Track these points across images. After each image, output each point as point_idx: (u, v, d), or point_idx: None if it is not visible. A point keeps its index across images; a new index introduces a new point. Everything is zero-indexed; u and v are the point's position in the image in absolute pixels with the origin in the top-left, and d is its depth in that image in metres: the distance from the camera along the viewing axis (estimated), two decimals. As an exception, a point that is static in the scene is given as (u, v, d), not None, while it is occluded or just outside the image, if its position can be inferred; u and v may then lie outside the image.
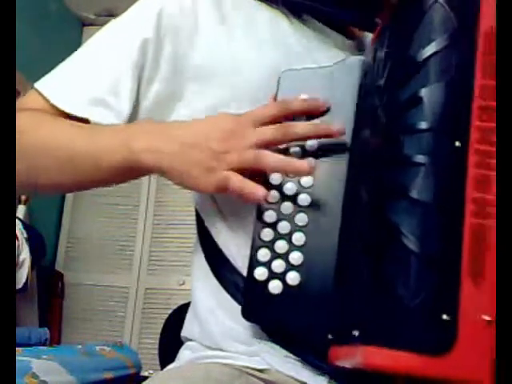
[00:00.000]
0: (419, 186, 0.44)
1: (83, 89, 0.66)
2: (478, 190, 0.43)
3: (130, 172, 0.61)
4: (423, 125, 0.45)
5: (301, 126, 0.58)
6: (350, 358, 0.46)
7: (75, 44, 3.22)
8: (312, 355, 0.58)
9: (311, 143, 0.59)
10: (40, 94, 0.67)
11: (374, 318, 0.44)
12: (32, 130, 0.63)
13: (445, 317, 0.41)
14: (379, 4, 0.62)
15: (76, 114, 0.65)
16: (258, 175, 0.57)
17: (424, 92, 0.45)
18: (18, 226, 2.17)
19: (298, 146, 0.59)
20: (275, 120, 0.58)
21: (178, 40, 0.66)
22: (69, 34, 3.07)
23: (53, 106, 0.66)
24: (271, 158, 0.56)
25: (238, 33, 0.67)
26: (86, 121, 0.65)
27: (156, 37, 0.66)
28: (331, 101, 0.60)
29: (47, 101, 0.66)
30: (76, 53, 0.70)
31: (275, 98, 0.62)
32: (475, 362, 0.40)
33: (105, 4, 2.94)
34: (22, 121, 0.63)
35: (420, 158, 0.44)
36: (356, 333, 0.45)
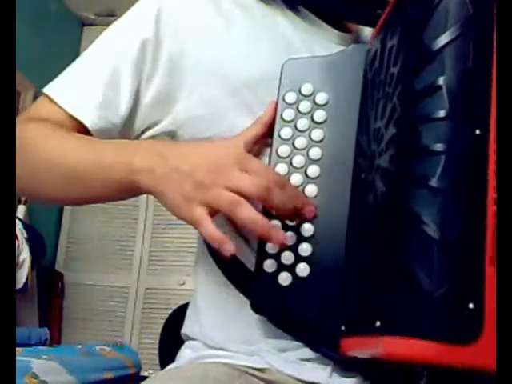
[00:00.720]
0: (439, 174, 0.43)
1: (88, 90, 0.67)
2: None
3: (130, 190, 0.62)
4: (442, 113, 0.44)
5: (282, 198, 0.55)
6: (370, 348, 0.46)
7: (75, 44, 3.23)
8: (324, 347, 0.57)
9: (318, 134, 0.59)
10: (49, 98, 0.68)
11: (397, 308, 0.43)
12: (39, 144, 0.64)
13: (471, 305, 0.41)
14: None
15: (81, 120, 0.66)
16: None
17: (442, 80, 0.45)
18: (18, 226, 2.17)
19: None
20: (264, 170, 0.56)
21: (177, 38, 0.67)
22: (69, 34, 3.07)
23: (62, 110, 0.67)
24: (246, 213, 0.54)
25: (235, 27, 0.68)
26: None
27: (155, 36, 0.67)
28: (335, 89, 0.60)
29: (56, 105, 0.68)
30: (82, 54, 0.72)
31: (278, 92, 0.62)
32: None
33: (105, 4, 2.94)
34: (32, 133, 0.65)
35: (439, 147, 0.44)
36: (378, 323, 0.44)
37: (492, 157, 0.43)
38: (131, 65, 0.67)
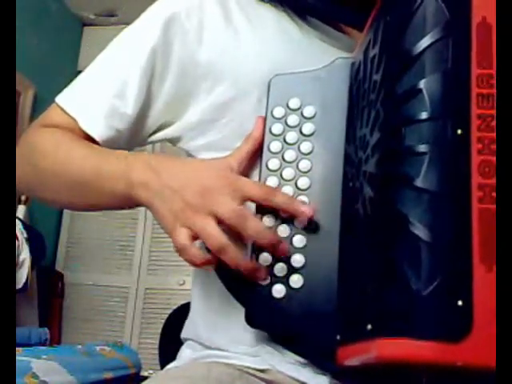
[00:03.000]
0: (423, 174, 0.44)
1: (96, 100, 0.69)
2: (482, 176, 0.43)
3: (129, 202, 0.63)
4: (424, 115, 0.45)
5: (259, 231, 0.55)
6: (363, 354, 0.46)
7: (75, 44, 3.23)
8: (319, 358, 0.57)
9: (307, 147, 0.60)
10: (60, 107, 0.71)
11: (387, 310, 0.43)
12: (49, 152, 0.68)
13: (460, 303, 0.41)
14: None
15: (87, 131, 0.68)
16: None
17: (423, 83, 0.46)
18: (18, 226, 2.18)
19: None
20: (256, 202, 0.57)
21: (186, 43, 0.68)
22: (69, 34, 3.07)
23: (72, 119, 0.69)
24: (230, 256, 0.55)
25: (244, 30, 0.68)
26: None
27: (164, 43, 0.68)
28: (322, 103, 0.61)
29: (67, 114, 0.70)
30: (93, 62, 0.73)
31: (266, 107, 0.62)
32: (492, 347, 0.40)
33: (105, 4, 2.94)
34: (41, 140, 0.69)
35: (423, 148, 0.45)
36: (369, 326, 0.44)
37: (475, 155, 0.44)
38: (140, 74, 0.68)
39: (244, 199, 0.57)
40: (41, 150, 0.68)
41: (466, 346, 0.40)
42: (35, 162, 0.68)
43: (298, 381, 0.60)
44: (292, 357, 0.60)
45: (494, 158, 0.44)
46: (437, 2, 0.48)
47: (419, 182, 0.44)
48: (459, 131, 0.44)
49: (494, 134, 0.44)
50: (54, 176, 0.67)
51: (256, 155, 0.62)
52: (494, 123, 0.44)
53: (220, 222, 0.55)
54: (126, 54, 0.70)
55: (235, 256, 0.55)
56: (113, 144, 0.68)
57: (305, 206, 0.57)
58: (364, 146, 0.53)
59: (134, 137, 0.70)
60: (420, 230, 0.43)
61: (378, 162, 0.49)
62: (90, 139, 0.68)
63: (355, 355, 0.49)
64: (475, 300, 0.41)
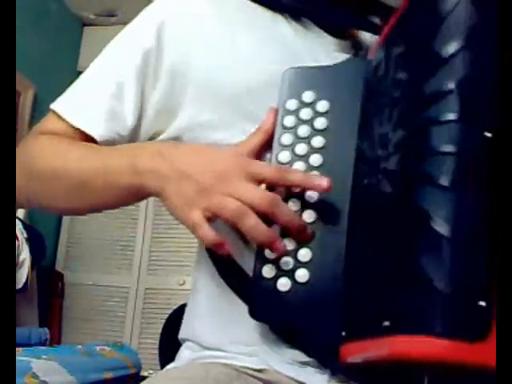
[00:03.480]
0: (449, 173, 0.44)
1: (93, 103, 0.68)
2: None
3: (136, 194, 0.62)
4: (452, 116, 0.45)
5: (284, 211, 0.55)
6: (373, 350, 0.46)
7: (75, 44, 3.23)
8: (322, 354, 0.57)
9: (319, 142, 0.59)
10: (56, 114, 0.70)
11: (406, 307, 0.43)
12: (45, 158, 0.66)
13: (481, 303, 0.41)
14: (373, 6, 0.62)
15: (85, 131, 0.67)
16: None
17: (453, 85, 0.46)
18: (18, 226, 2.17)
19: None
20: (272, 184, 0.57)
21: (179, 48, 0.68)
22: (69, 34, 3.07)
23: (69, 125, 0.68)
24: (250, 223, 0.54)
25: (238, 34, 0.68)
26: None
27: (157, 45, 0.68)
28: (336, 98, 0.60)
29: (63, 120, 0.69)
30: (88, 69, 0.72)
31: (279, 99, 0.62)
32: None
33: (105, 4, 2.94)
34: (39, 146, 0.67)
35: (449, 148, 0.45)
36: (386, 323, 0.44)
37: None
38: (134, 75, 0.67)
39: (259, 181, 0.56)
40: (38, 154, 0.67)
41: (486, 346, 0.40)
42: (32, 168, 0.66)
43: (295, 381, 0.60)
44: (290, 357, 0.60)
45: None
46: (468, 8, 0.48)
47: (443, 181, 0.44)
48: (488, 134, 0.44)
49: None
50: (53, 178, 0.66)
51: (264, 148, 0.62)
52: None
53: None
54: (121, 57, 0.70)
55: (255, 222, 0.54)
56: (113, 145, 0.67)
57: (319, 178, 0.56)
58: (384, 143, 0.53)
59: (133, 141, 0.69)
60: (442, 228, 0.43)
61: (401, 159, 0.49)
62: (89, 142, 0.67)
63: (362, 352, 0.48)
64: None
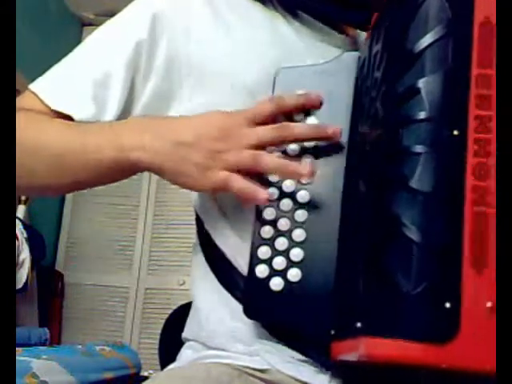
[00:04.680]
0: (418, 175, 0.44)
1: (74, 86, 0.66)
2: (477, 178, 0.43)
3: (121, 171, 0.60)
4: (421, 115, 0.45)
5: (298, 128, 0.57)
6: (353, 351, 0.46)
7: (75, 44, 3.20)
8: (315, 352, 0.57)
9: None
10: (35, 94, 0.67)
11: (377, 308, 0.44)
12: (21, 130, 0.61)
13: (447, 305, 0.41)
14: (374, 3, 0.62)
15: (63, 111, 0.65)
16: (255, 173, 0.57)
17: (421, 83, 0.46)
18: (18, 226, 2.17)
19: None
20: (272, 118, 0.57)
21: (173, 39, 0.66)
22: (69, 34, 3.07)
23: (45, 105, 0.66)
24: (270, 159, 0.55)
25: (234, 30, 0.67)
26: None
27: (150, 38, 0.66)
28: (328, 97, 0.60)
29: (40, 100, 0.66)
30: (71, 53, 0.70)
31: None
32: (479, 350, 0.40)
33: (105, 4, 2.94)
34: (17, 120, 0.61)
35: (418, 148, 0.44)
36: (359, 324, 0.45)
37: (470, 157, 0.44)
38: (124, 67, 0.66)
39: (260, 121, 0.57)
40: (16, 128, 0.61)
41: (451, 348, 0.40)
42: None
43: (297, 380, 0.60)
44: (291, 356, 0.60)
45: (490, 160, 0.43)
46: (440, 1, 0.47)
47: (413, 183, 0.44)
48: (456, 132, 0.44)
49: (491, 136, 0.44)
50: (33, 153, 0.62)
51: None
52: (491, 124, 0.44)
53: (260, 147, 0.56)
54: (111, 46, 0.67)
55: (272, 159, 0.55)
56: None
57: (329, 128, 0.57)
58: (363, 144, 0.53)
59: None
60: (412, 232, 0.43)
61: (375, 160, 0.49)
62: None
63: (346, 351, 0.49)
64: (463, 303, 0.41)
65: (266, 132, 0.56)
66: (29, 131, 0.62)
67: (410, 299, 0.42)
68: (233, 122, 0.57)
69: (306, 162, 0.57)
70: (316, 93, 0.58)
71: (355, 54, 0.62)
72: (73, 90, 0.66)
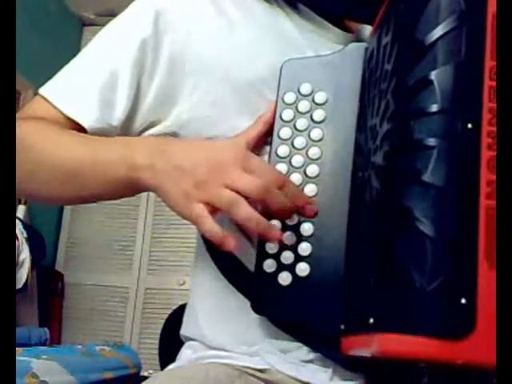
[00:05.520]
0: (431, 169, 0.43)
1: (83, 91, 0.67)
2: (492, 172, 0.43)
3: (131, 188, 0.61)
4: (434, 107, 0.44)
5: (280, 200, 0.55)
6: (366, 347, 0.46)
7: (75, 44, 3.22)
8: (324, 347, 0.57)
9: (317, 134, 0.59)
10: (45, 99, 0.67)
11: (390, 304, 0.43)
12: (37, 145, 0.63)
13: (463, 301, 0.40)
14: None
15: (74, 119, 0.65)
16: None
17: (434, 75, 0.45)
18: (18, 226, 2.17)
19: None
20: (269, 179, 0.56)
21: (177, 35, 0.66)
22: (69, 34, 3.07)
23: (57, 110, 0.66)
24: (243, 211, 0.53)
25: (236, 26, 0.67)
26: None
27: (154, 35, 0.66)
28: (334, 89, 0.60)
29: (53, 106, 0.67)
30: (78, 55, 0.71)
31: (277, 92, 0.61)
32: (494, 346, 0.40)
33: (105, 4, 2.94)
34: (28, 133, 0.64)
35: (431, 141, 0.44)
36: (371, 320, 0.44)
37: (484, 151, 0.43)
38: (130, 66, 0.66)
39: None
40: (27, 143, 0.63)
41: (467, 344, 0.40)
42: (21, 153, 0.62)
43: (298, 380, 0.60)
44: (291, 356, 0.60)
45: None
46: None
47: (426, 177, 0.43)
48: (469, 125, 0.43)
49: None
50: (44, 166, 0.63)
51: (264, 139, 0.62)
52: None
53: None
54: (116, 45, 0.68)
55: (246, 211, 0.53)
56: (103, 136, 0.65)
57: (308, 203, 0.56)
58: (374, 136, 0.52)
59: (124, 132, 0.67)
60: (425, 226, 0.42)
61: (386, 153, 0.48)
62: (78, 131, 0.65)
63: (358, 347, 0.49)
64: (479, 298, 0.41)
65: (251, 185, 0.54)
66: (45, 146, 0.64)
67: (425, 295, 0.41)
68: (228, 158, 0.56)
69: (277, 230, 0.55)
70: (313, 206, 0.57)
71: (362, 44, 0.61)
72: (81, 94, 0.67)
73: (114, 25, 0.70)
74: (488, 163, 0.43)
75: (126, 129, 0.68)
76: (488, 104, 0.44)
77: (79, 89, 0.67)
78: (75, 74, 0.69)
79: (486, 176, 0.43)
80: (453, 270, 0.41)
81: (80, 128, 0.66)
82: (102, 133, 0.66)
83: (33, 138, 0.64)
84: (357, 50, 0.61)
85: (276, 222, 0.57)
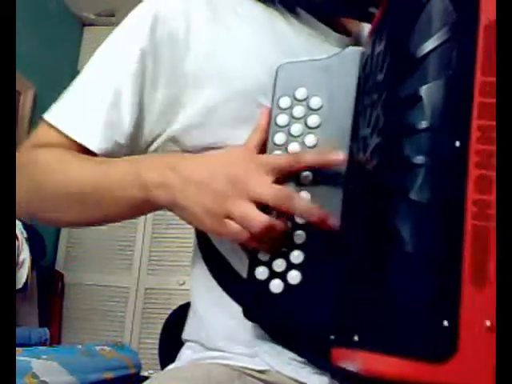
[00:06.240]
0: (418, 187, 0.43)
1: (87, 114, 0.66)
2: (479, 191, 0.42)
3: (144, 206, 0.61)
4: (422, 124, 0.44)
5: (301, 206, 0.55)
6: (351, 362, 0.46)
7: (75, 44, 3.23)
8: (315, 355, 0.57)
9: (311, 140, 0.59)
10: (51, 125, 0.67)
11: (374, 323, 0.43)
12: (46, 171, 0.64)
13: (445, 323, 0.40)
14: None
15: (82, 143, 0.65)
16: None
17: (423, 90, 0.44)
18: (18, 226, 2.17)
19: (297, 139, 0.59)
20: (286, 171, 0.56)
21: (175, 45, 0.66)
22: (69, 34, 3.07)
23: (65, 136, 0.66)
24: (256, 226, 0.54)
25: (234, 32, 0.66)
26: None
27: (152, 46, 0.66)
28: (330, 93, 0.59)
29: (58, 131, 0.66)
30: (81, 73, 0.70)
31: (273, 96, 0.61)
32: (476, 369, 0.39)
33: (105, 4, 2.94)
34: (37, 159, 0.65)
35: (419, 159, 0.43)
36: (356, 338, 0.44)
37: (472, 169, 0.42)
38: (131, 80, 0.65)
39: (273, 175, 0.56)
40: (37, 167, 0.64)
41: (449, 366, 0.39)
42: (31, 182, 0.64)
43: (297, 381, 0.60)
44: (291, 357, 0.60)
45: (492, 173, 0.42)
46: (444, 2, 0.45)
47: (413, 195, 0.43)
48: (457, 143, 0.43)
49: (493, 147, 0.42)
50: (57, 190, 0.63)
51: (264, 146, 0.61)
52: (494, 135, 0.42)
53: (260, 204, 0.54)
54: (115, 60, 0.67)
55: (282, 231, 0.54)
56: (112, 156, 0.65)
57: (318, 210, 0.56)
58: (364, 147, 0.52)
59: (132, 148, 0.67)
60: (410, 246, 0.42)
61: (375, 168, 0.48)
62: (87, 154, 0.65)
63: (345, 360, 0.48)
64: (462, 320, 0.40)
65: (269, 194, 0.54)
66: (51, 173, 0.64)
67: (408, 315, 0.41)
68: (245, 170, 0.56)
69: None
70: (334, 156, 0.56)
71: (358, 49, 0.60)
72: (86, 117, 0.66)
73: (113, 37, 0.70)
74: (475, 182, 0.42)
75: (133, 145, 0.67)
76: (477, 121, 0.43)
77: (84, 112, 0.66)
78: (79, 96, 0.68)
79: (473, 195, 0.42)
80: (436, 291, 0.41)
81: (88, 151, 0.65)
82: (111, 154, 0.65)
83: (47, 161, 0.64)
84: (353, 55, 0.60)
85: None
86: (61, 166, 0.64)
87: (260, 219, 0.53)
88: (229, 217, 0.54)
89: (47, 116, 0.68)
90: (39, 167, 0.64)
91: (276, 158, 0.57)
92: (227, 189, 0.55)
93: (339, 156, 0.55)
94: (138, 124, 0.66)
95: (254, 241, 0.55)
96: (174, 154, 0.67)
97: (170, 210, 0.59)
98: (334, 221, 0.55)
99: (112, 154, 0.65)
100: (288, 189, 0.55)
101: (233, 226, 0.54)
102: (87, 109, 0.66)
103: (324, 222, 0.55)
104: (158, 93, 0.66)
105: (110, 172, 0.61)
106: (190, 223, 0.59)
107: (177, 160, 0.60)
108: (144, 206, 0.61)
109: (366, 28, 0.71)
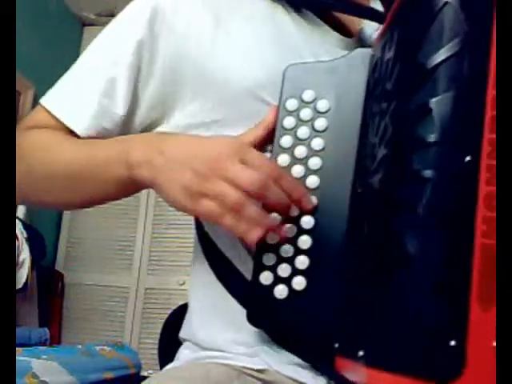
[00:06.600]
0: (426, 202, 0.41)
1: (82, 99, 0.67)
2: (489, 208, 0.40)
3: (131, 186, 0.61)
4: (432, 137, 0.42)
5: (275, 195, 0.54)
6: (355, 373, 0.45)
7: (75, 44, 3.23)
8: (318, 362, 0.57)
9: (318, 143, 0.58)
10: (46, 109, 0.68)
11: (380, 340, 0.42)
12: (37, 153, 0.65)
13: (452, 343, 0.39)
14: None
15: (73, 130, 0.66)
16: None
17: (434, 102, 0.43)
18: (18, 226, 2.17)
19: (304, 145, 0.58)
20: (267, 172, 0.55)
21: (174, 38, 0.66)
22: (69, 34, 3.07)
23: (57, 120, 0.67)
24: (228, 201, 0.53)
25: (235, 31, 0.66)
26: None
27: (150, 37, 0.66)
28: (338, 96, 0.58)
29: (52, 115, 0.67)
30: (78, 60, 0.71)
31: (279, 98, 0.60)
32: None
33: (105, 4, 2.94)
34: (29, 140, 0.66)
35: (428, 173, 0.42)
36: (361, 353, 0.44)
37: (482, 186, 0.40)
38: (127, 69, 0.66)
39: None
40: (28, 149, 0.65)
41: None
42: (23, 163, 0.64)
43: (296, 381, 0.60)
44: (290, 357, 0.60)
45: None
46: (456, 12, 0.44)
47: (421, 210, 0.41)
48: (468, 158, 0.41)
49: None
50: (46, 172, 0.65)
51: (264, 145, 0.61)
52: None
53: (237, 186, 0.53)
54: (112, 50, 0.67)
55: (256, 212, 0.52)
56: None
57: (308, 195, 0.56)
58: (372, 156, 0.51)
59: (123, 131, 0.67)
60: (417, 264, 0.41)
61: (382, 179, 0.47)
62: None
63: (349, 371, 0.48)
64: (469, 341, 0.39)
65: (246, 179, 0.53)
66: (42, 154, 0.65)
67: (415, 334, 0.40)
68: (228, 152, 0.55)
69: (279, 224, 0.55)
70: (312, 198, 0.56)
71: (367, 51, 0.59)
72: (80, 104, 0.67)
73: (111, 27, 0.70)
74: (485, 199, 0.40)
75: (123, 131, 0.67)
76: (489, 135, 0.41)
77: (77, 98, 0.67)
78: (74, 82, 0.69)
79: (483, 213, 0.40)
80: (443, 310, 0.40)
81: (77, 136, 0.66)
82: (99, 137, 0.66)
83: (34, 145, 0.66)
84: (362, 57, 0.59)
85: (273, 234, 0.56)
86: (51, 148, 0.65)
87: (233, 194, 0.52)
88: (205, 196, 0.54)
89: (43, 100, 0.69)
90: (29, 150, 0.65)
91: (263, 162, 0.55)
92: (205, 168, 0.54)
93: (309, 205, 0.55)
94: (131, 112, 0.67)
95: (228, 220, 0.53)
96: (162, 133, 0.66)
97: (153, 188, 0.59)
98: (311, 201, 0.55)
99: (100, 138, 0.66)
100: (265, 177, 0.53)
101: (207, 202, 0.54)
102: (80, 94, 0.67)
103: (302, 204, 0.55)
104: (151, 83, 0.66)
105: (98, 151, 0.62)
106: (167, 201, 0.58)
107: (162, 139, 0.60)
108: (130, 185, 0.61)
109: (367, 26, 0.70)
